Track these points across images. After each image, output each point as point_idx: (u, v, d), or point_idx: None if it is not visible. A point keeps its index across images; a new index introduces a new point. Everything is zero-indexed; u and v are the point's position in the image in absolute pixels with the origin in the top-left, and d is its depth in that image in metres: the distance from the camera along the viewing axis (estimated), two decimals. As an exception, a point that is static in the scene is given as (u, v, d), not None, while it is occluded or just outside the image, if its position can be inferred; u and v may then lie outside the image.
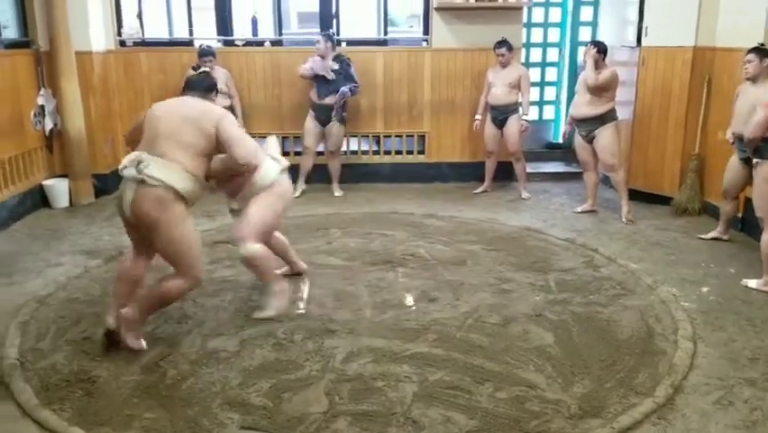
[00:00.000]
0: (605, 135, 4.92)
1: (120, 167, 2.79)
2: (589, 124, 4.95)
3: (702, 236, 4.50)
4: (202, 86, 3.05)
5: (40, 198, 5.36)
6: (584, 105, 4.96)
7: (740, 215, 4.45)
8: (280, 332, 3.06)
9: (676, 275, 3.82)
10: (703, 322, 3.19)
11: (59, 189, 5.42)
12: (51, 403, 2.48)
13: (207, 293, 3.54)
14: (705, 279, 3.76)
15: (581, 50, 7.01)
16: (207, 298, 3.48)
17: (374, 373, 2.68)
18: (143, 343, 2.89)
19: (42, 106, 5.31)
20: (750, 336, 3.05)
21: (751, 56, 3.95)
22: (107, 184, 5.84)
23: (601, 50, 4.91)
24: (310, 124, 5.80)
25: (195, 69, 5.50)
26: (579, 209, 5.25)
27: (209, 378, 2.65)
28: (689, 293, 3.55)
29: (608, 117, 4.90)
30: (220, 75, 5.73)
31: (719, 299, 3.48)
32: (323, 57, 5.56)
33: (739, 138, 4.11)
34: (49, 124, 5.38)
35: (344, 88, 5.57)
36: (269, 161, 3.29)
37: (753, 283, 3.64)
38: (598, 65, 4.90)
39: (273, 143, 3.55)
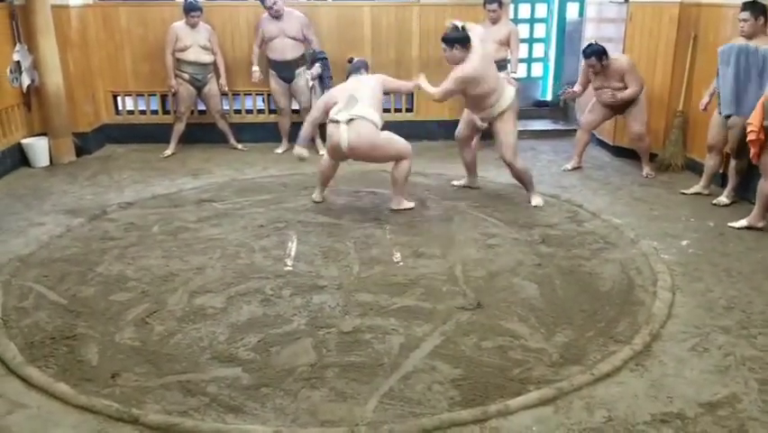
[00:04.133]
0: (639, 105, 4.95)
1: (330, 116, 4.01)
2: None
3: (685, 191, 4.56)
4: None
5: (19, 158, 5.28)
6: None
7: (722, 170, 4.49)
8: (268, 288, 3.09)
9: (658, 229, 3.88)
10: (682, 273, 3.26)
11: (39, 148, 5.34)
12: (36, 360, 2.50)
13: (194, 251, 3.55)
14: (685, 232, 3.83)
15: (570, 6, 6.96)
16: (194, 256, 3.49)
17: (361, 327, 2.73)
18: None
19: (18, 63, 5.18)
20: (726, 286, 3.13)
21: (745, 14, 3.92)
22: (88, 142, 5.77)
23: (598, 58, 4.81)
24: (274, 84, 5.71)
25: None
26: (568, 167, 5.28)
27: (196, 334, 2.68)
28: (669, 246, 3.62)
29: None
30: (202, 31, 5.61)
31: (698, 251, 3.55)
32: (277, 17, 5.47)
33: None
34: (26, 81, 5.26)
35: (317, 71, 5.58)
36: (509, 88, 4.29)
37: (737, 224, 3.83)
38: (608, 71, 4.84)
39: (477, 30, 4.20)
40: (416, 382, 2.34)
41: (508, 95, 4.26)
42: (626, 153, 5.44)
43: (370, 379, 2.36)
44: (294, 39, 5.57)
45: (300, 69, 5.64)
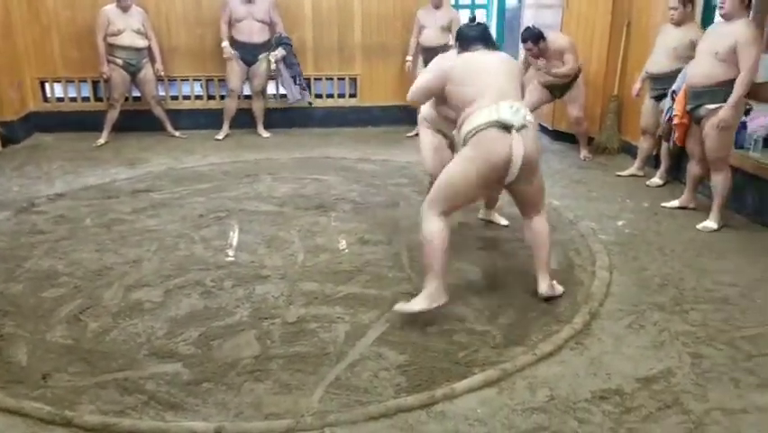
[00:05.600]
0: (578, 88, 5.02)
1: (496, 118, 2.51)
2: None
3: (620, 173, 4.70)
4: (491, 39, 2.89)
5: (-60, 149, 4.96)
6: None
7: (655, 153, 4.65)
8: (209, 280, 3.00)
9: (595, 210, 3.99)
10: (618, 253, 3.36)
11: (-38, 139, 5.03)
12: (-39, 363, 2.35)
13: (130, 244, 3.41)
14: (621, 213, 3.95)
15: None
16: (130, 248, 3.36)
17: (306, 316, 2.69)
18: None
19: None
20: (660, 264, 3.24)
21: (675, 2, 4.06)
22: (15, 131, 5.47)
23: (534, 41, 4.80)
24: (234, 65, 5.58)
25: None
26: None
27: (133, 330, 2.58)
28: (606, 227, 3.72)
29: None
30: (135, 14, 5.38)
31: (634, 231, 3.67)
32: None
33: (652, 78, 4.27)
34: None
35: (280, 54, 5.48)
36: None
37: (669, 204, 4.01)
38: (547, 53, 4.84)
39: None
40: (363, 369, 2.32)
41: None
42: (565, 137, 5.57)
43: (316, 369, 2.33)
44: (262, 22, 5.47)
45: (263, 54, 5.51)
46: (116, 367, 2.33)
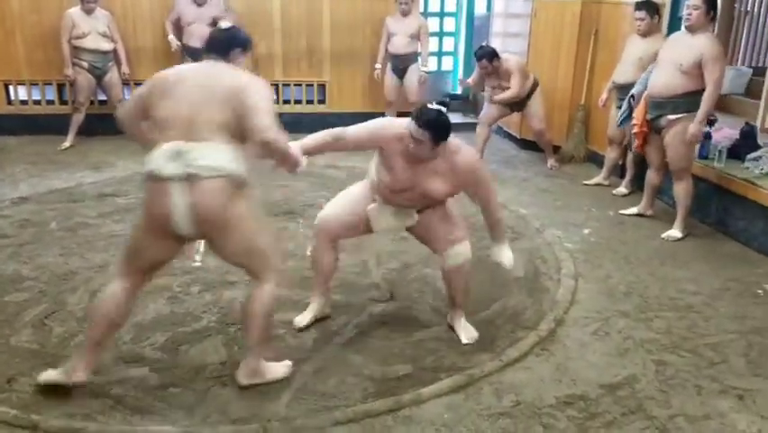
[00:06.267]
0: (536, 102, 5.07)
1: (151, 167, 2.02)
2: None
3: (586, 182, 4.80)
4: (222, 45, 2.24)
5: None
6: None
7: (621, 162, 4.76)
8: (175, 285, 2.97)
9: (561, 219, 4.06)
10: (584, 261, 3.43)
11: None
12: None
13: (95, 248, 3.36)
14: (587, 221, 4.03)
15: (478, 1, 7.12)
16: (95, 253, 3.30)
17: (274, 322, 2.67)
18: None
19: None
20: (625, 272, 3.32)
21: (641, 13, 4.15)
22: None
23: (489, 59, 4.81)
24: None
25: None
26: None
27: (99, 334, 2.54)
28: (572, 235, 3.80)
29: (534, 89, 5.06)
30: (100, 17, 5.31)
31: (599, 239, 3.75)
32: (200, 3, 5.40)
33: (618, 87, 4.38)
34: None
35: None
36: None
37: (627, 211, 4.14)
38: (500, 72, 4.86)
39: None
40: (330, 375, 2.33)
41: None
42: (532, 146, 5.65)
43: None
44: (209, 25, 5.39)
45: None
46: (80, 374, 2.28)
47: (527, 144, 5.77)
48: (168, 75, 2.16)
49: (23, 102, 5.78)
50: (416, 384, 2.27)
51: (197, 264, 3.21)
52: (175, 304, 2.81)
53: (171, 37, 5.51)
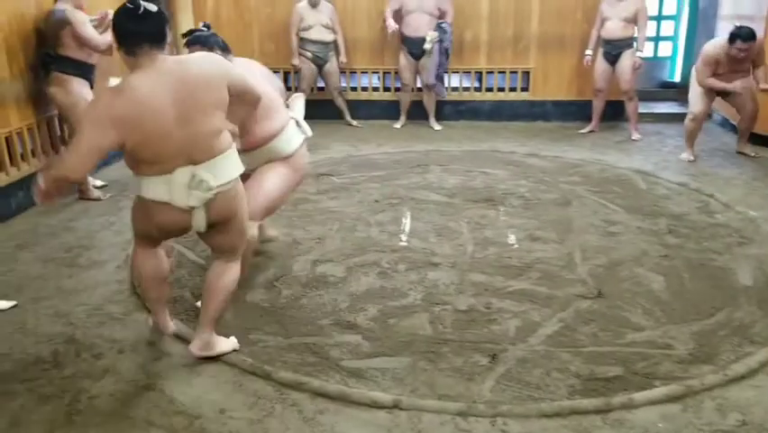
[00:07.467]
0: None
1: (170, 199, 2.09)
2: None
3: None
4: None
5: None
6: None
7: None
8: (384, 262, 3.16)
9: (802, 225, 3.57)
10: (832, 276, 2.99)
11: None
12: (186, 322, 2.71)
13: (315, 222, 3.69)
14: (835, 231, 3.49)
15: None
16: (315, 226, 3.63)
17: (477, 306, 2.73)
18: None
19: None
20: None
21: None
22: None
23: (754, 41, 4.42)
24: (403, 59, 5.75)
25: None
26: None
27: (320, 300, 2.81)
28: (816, 245, 3.32)
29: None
30: (324, 10, 5.75)
31: None
32: None
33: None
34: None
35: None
36: (293, 127, 2.81)
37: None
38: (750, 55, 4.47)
39: (300, 103, 3.00)
40: (534, 366, 2.31)
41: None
42: (762, 140, 5.01)
43: (490, 359, 2.36)
44: (430, 14, 5.57)
45: (428, 45, 5.56)
46: (305, 332, 2.55)
47: (757, 139, 5.12)
48: (126, 109, 1.92)
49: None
50: (627, 388, 2.17)
51: (404, 244, 3.37)
52: (384, 279, 2.99)
53: (390, 21, 5.65)
